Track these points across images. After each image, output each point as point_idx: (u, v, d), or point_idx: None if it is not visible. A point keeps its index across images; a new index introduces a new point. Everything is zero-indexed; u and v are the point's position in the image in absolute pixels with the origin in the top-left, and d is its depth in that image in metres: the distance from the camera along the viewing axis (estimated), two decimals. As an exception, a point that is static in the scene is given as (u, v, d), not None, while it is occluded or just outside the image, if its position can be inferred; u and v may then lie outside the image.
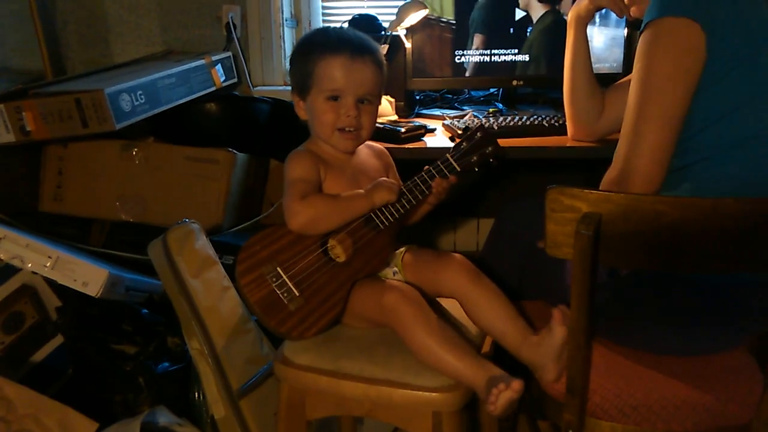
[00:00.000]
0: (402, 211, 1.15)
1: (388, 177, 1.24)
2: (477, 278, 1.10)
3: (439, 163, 1.18)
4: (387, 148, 1.32)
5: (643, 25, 1.04)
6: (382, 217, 1.14)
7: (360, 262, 1.13)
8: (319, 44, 1.14)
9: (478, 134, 1.20)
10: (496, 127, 1.52)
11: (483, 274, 1.12)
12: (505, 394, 0.95)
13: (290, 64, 1.21)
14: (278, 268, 1.11)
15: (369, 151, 1.25)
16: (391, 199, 1.11)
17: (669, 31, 1.00)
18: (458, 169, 1.18)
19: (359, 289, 1.12)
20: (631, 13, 1.24)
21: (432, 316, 1.05)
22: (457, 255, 1.15)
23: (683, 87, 1.00)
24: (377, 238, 1.14)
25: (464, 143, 1.19)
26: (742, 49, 1.00)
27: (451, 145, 1.48)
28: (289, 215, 1.11)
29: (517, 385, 0.96)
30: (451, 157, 1.18)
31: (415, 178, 1.17)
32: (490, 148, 1.19)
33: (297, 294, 1.11)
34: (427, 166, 1.18)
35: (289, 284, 1.11)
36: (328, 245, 1.13)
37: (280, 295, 1.10)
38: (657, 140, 1.00)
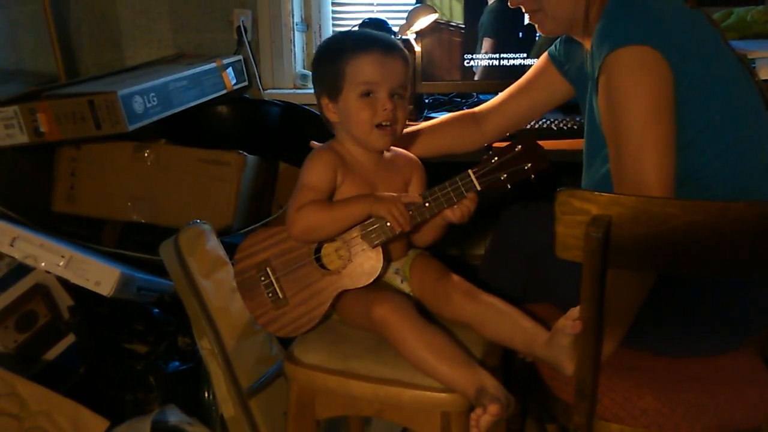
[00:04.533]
0: (398, 232, 1.09)
1: (409, 190, 1.20)
2: (474, 298, 1.10)
3: (457, 179, 1.06)
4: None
5: (601, 61, 1.01)
6: (381, 234, 1.09)
7: (351, 274, 1.11)
8: (348, 44, 1.14)
9: (518, 147, 1.05)
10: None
11: (479, 290, 1.11)
12: (484, 418, 0.97)
13: (316, 68, 1.19)
14: (268, 269, 1.14)
15: (397, 159, 1.21)
16: (389, 219, 1.07)
17: (635, 60, 0.99)
18: (478, 188, 1.06)
19: (349, 298, 1.13)
20: (538, 31, 1.20)
21: (423, 324, 1.05)
22: (454, 279, 1.13)
23: (670, 109, 1.00)
24: (372, 251, 1.11)
25: (496, 158, 1.05)
26: (698, 74, 1.01)
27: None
28: (287, 223, 1.13)
29: (493, 409, 0.96)
30: (474, 173, 1.06)
31: (426, 194, 1.08)
32: (528, 165, 1.04)
33: (281, 296, 1.13)
34: (444, 184, 1.07)
35: (275, 285, 1.13)
36: (322, 253, 1.13)
37: (266, 294, 1.14)
38: (663, 163, 0.99)
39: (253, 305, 1.17)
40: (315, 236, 1.12)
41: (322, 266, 1.13)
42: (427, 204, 1.09)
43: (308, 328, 1.14)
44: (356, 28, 1.80)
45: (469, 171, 1.07)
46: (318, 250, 1.13)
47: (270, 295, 1.14)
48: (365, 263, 1.11)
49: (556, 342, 1.00)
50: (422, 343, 1.03)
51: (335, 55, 1.14)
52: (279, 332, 1.17)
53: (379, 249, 1.11)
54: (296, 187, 1.14)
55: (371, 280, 1.11)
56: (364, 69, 1.11)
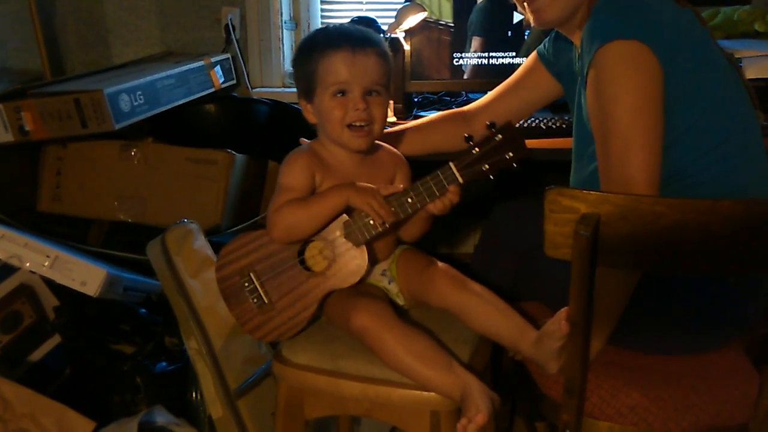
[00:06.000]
0: (381, 229, 1.07)
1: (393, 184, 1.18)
2: (462, 286, 1.09)
3: (438, 173, 1.04)
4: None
5: (590, 56, 1.02)
6: (364, 231, 1.07)
7: (337, 274, 1.09)
8: (319, 43, 1.11)
9: (499, 137, 1.01)
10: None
11: (468, 279, 1.10)
12: (470, 427, 0.97)
13: (293, 68, 1.18)
14: (251, 274, 1.12)
15: (381, 156, 1.19)
16: (368, 211, 1.05)
17: (625, 54, 0.99)
18: (461, 181, 1.04)
19: (332, 305, 1.12)
20: (531, 23, 1.18)
21: (403, 328, 1.05)
22: (440, 266, 1.12)
23: (658, 105, 1.00)
24: (357, 249, 1.09)
25: (476, 148, 1.02)
26: (687, 71, 1.01)
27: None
28: (267, 226, 1.11)
29: (479, 418, 0.96)
30: (455, 166, 1.03)
31: (408, 189, 1.06)
32: (510, 154, 1.01)
33: (266, 301, 1.11)
34: (425, 178, 1.05)
35: (260, 290, 1.12)
36: (306, 255, 1.11)
37: (251, 300, 1.13)
38: (649, 159, 0.99)
39: (238, 312, 1.15)
40: (296, 234, 1.10)
41: (307, 268, 1.11)
42: (409, 200, 1.06)
43: (296, 332, 1.13)
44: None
45: (451, 164, 1.04)
46: (302, 252, 1.12)
47: (255, 300, 1.13)
48: (350, 262, 1.09)
49: (544, 344, 1.00)
50: (404, 349, 1.02)
51: (308, 55, 1.12)
52: (266, 338, 1.16)
53: (364, 247, 1.09)
54: (275, 190, 1.12)
55: (358, 279, 1.10)
56: (333, 68, 1.09)
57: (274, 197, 1.11)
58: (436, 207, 1.07)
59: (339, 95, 1.10)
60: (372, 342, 1.04)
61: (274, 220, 1.10)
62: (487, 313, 1.07)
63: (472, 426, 0.97)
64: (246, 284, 1.13)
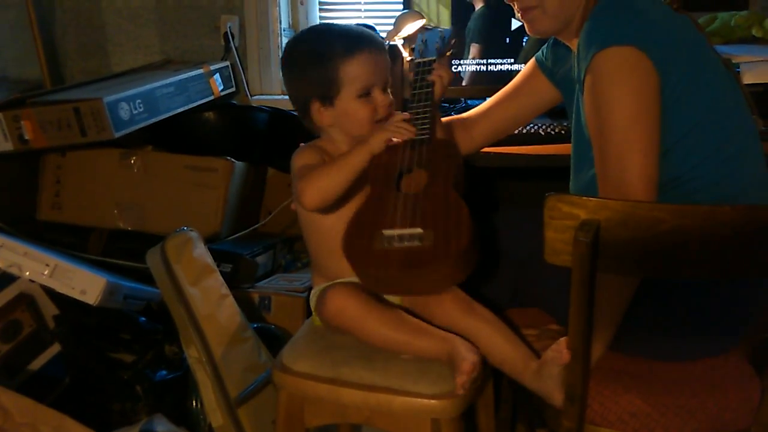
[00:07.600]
0: (429, 109, 1.16)
1: None
2: (469, 309, 1.09)
3: (417, 69, 1.22)
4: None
5: (587, 61, 1.02)
6: (422, 130, 1.13)
7: (435, 166, 1.10)
8: (337, 47, 1.13)
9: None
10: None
11: (476, 303, 1.10)
12: (463, 379, 1.00)
13: (302, 74, 1.17)
14: (384, 232, 1.02)
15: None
16: (396, 135, 1.10)
17: (621, 60, 0.99)
18: (434, 58, 1.23)
19: (315, 304, 1.14)
20: (528, 31, 1.19)
21: (376, 303, 1.07)
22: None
23: (655, 110, 1.00)
24: (429, 146, 1.13)
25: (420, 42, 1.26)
26: (684, 77, 1.01)
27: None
28: (299, 199, 1.09)
29: (466, 366, 1.00)
30: (416, 59, 1.23)
31: (413, 92, 1.19)
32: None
33: (421, 231, 1.01)
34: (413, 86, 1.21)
35: (405, 232, 1.02)
36: (402, 190, 1.09)
37: (412, 247, 1.00)
38: (646, 164, 0.99)
39: (406, 266, 0.99)
40: (328, 196, 1.08)
41: (416, 193, 1.07)
42: (416, 94, 1.18)
43: (467, 220, 1.02)
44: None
45: (415, 61, 1.25)
46: (399, 188, 1.09)
47: (414, 241, 1.00)
48: (435, 152, 1.14)
49: (545, 371, 1.00)
50: (383, 322, 1.06)
51: (326, 60, 1.12)
52: (450, 258, 0.99)
53: (432, 140, 1.16)
54: (294, 177, 1.13)
55: (447, 146, 1.17)
56: (360, 72, 1.13)
57: (296, 182, 1.10)
58: (439, 82, 1.20)
59: (364, 96, 1.14)
60: (351, 322, 1.06)
61: (302, 188, 1.08)
62: (493, 341, 1.06)
63: (463, 377, 1.00)
64: (387, 243, 1.01)
